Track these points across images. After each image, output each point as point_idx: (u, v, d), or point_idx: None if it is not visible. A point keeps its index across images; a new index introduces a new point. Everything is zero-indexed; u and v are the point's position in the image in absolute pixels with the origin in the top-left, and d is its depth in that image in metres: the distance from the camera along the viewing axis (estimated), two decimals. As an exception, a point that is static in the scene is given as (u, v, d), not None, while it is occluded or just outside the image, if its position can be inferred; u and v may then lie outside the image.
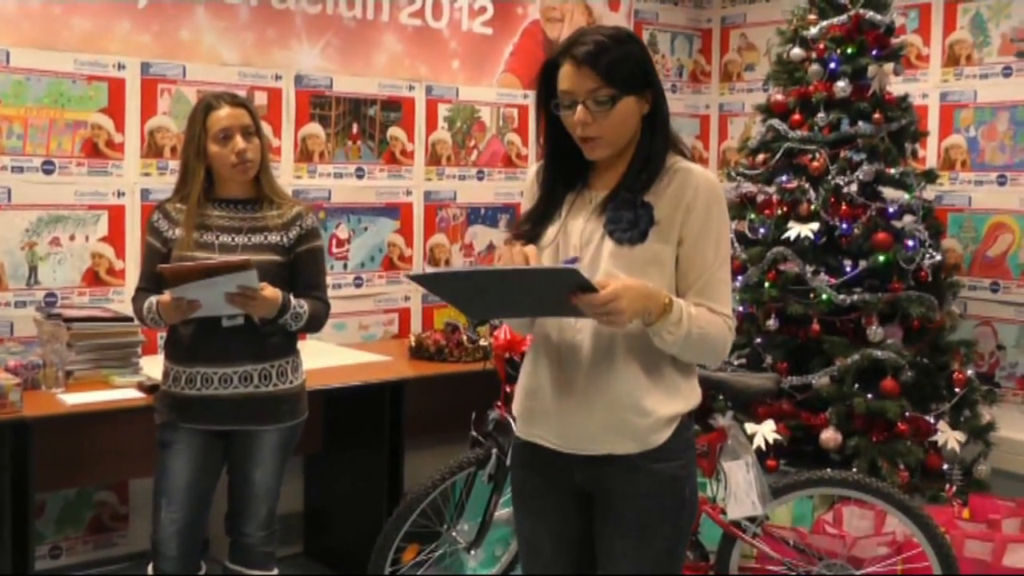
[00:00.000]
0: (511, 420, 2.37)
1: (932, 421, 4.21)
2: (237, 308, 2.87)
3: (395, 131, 4.90)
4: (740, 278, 4.42)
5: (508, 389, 3.45)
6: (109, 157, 4.11)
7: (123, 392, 3.51)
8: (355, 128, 4.77)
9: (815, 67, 4.49)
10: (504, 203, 5.29)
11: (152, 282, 2.99)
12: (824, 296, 4.25)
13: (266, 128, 4.06)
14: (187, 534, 3.04)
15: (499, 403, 3.51)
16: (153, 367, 3.54)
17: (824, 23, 4.52)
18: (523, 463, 2.33)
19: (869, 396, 4.13)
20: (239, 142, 2.96)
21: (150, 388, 3.42)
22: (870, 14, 4.44)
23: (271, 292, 2.88)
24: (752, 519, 3.41)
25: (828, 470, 3.67)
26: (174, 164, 3.83)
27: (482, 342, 4.25)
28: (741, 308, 4.46)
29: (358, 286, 4.83)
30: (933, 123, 5.16)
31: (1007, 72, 4.97)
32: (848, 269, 4.29)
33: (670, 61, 6.07)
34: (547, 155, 2.28)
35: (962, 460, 4.26)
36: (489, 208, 5.25)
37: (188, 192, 3.01)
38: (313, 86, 4.62)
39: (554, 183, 2.26)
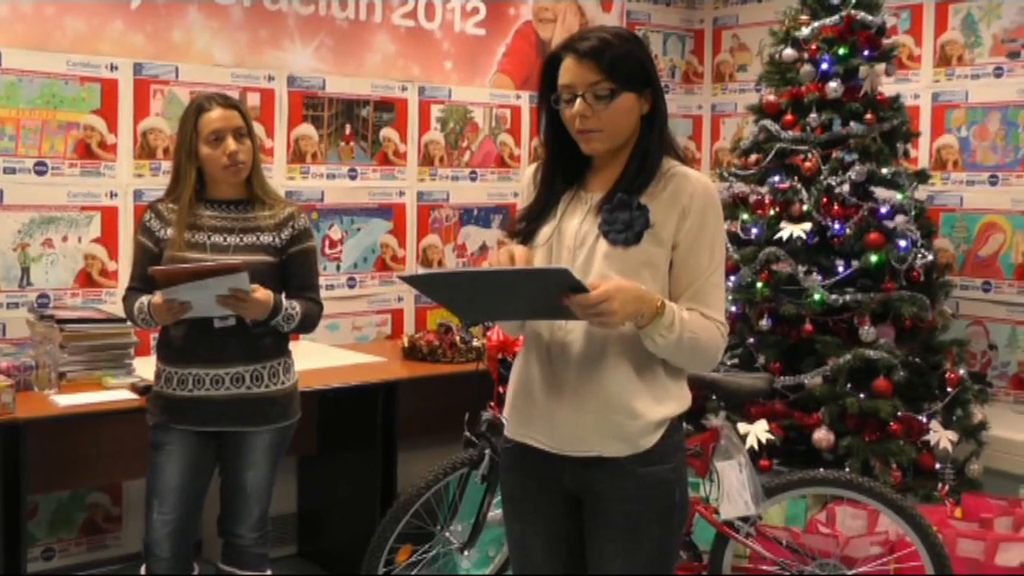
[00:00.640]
0: (504, 421, 2.37)
1: (924, 420, 4.22)
2: (228, 310, 2.87)
3: (388, 132, 4.90)
4: (733, 278, 4.42)
5: (501, 390, 3.45)
6: (102, 158, 4.11)
7: (116, 393, 3.51)
8: (348, 129, 4.77)
9: (807, 68, 4.50)
10: (497, 204, 5.29)
11: (143, 282, 2.98)
12: (816, 296, 4.26)
13: (258, 129, 4.08)
14: (179, 535, 3.04)
15: (492, 404, 3.51)
16: (146, 368, 3.53)
17: (816, 24, 4.53)
18: (512, 466, 2.32)
19: (861, 396, 4.13)
20: (230, 144, 2.96)
21: (143, 389, 3.41)
22: (861, 15, 4.45)
23: (263, 294, 2.88)
24: (745, 519, 3.41)
25: (821, 470, 3.68)
26: (167, 165, 3.83)
27: (475, 343, 4.25)
28: (734, 308, 4.46)
29: (351, 287, 4.83)
30: (925, 123, 5.18)
31: (998, 72, 4.99)
32: (840, 269, 4.30)
33: (663, 62, 6.08)
34: (547, 152, 2.28)
35: (954, 459, 4.26)
36: (482, 209, 5.25)
37: (180, 193, 3.01)
38: (306, 87, 4.62)
39: (552, 181, 2.26)
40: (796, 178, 4.44)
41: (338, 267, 4.78)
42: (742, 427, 3.85)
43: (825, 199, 4.35)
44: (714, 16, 6.17)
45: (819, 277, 4.30)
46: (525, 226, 2.26)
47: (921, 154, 5.13)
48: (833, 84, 4.42)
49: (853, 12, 4.45)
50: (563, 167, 2.25)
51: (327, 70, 4.69)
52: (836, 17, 4.48)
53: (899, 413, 4.14)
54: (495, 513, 3.52)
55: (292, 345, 3.17)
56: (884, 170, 4.38)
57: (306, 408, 3.24)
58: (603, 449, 2.16)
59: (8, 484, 3.27)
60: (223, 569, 3.15)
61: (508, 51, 5.30)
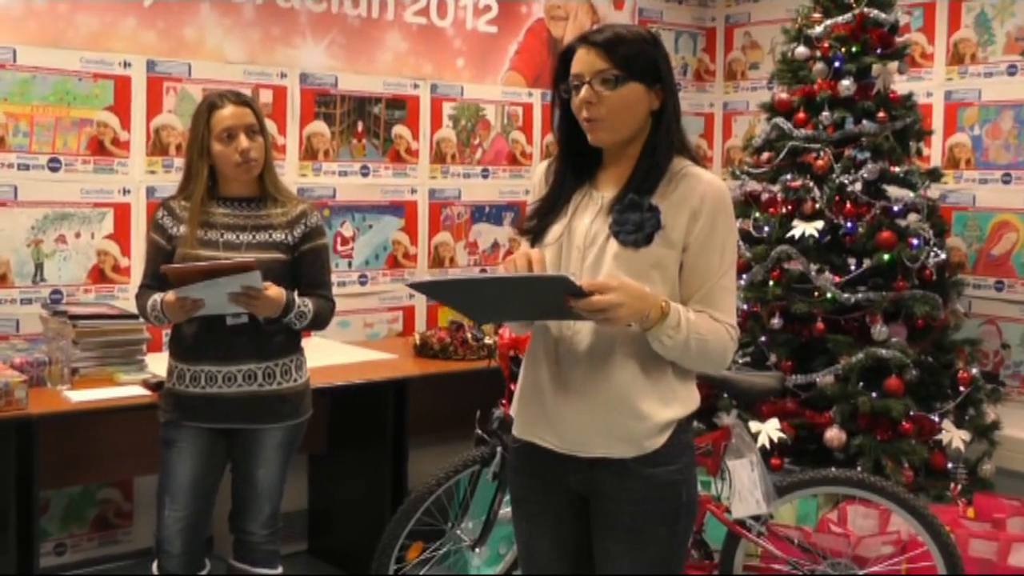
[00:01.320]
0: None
1: (937, 420, 4.20)
2: (241, 308, 2.87)
3: (400, 129, 4.90)
4: (744, 276, 4.42)
5: (513, 387, 3.44)
6: (115, 155, 4.12)
7: (128, 389, 3.52)
8: (360, 126, 4.77)
9: (819, 66, 4.49)
10: (508, 201, 5.29)
11: (156, 279, 2.99)
12: (828, 295, 4.25)
13: (271, 126, 4.08)
14: (191, 532, 3.05)
15: (504, 401, 3.51)
16: (158, 364, 3.54)
17: (828, 22, 4.51)
18: (520, 467, 2.32)
19: (873, 395, 4.12)
20: (243, 141, 2.96)
21: (155, 385, 3.42)
22: (874, 12, 4.43)
23: (275, 292, 2.89)
24: (756, 518, 3.41)
25: (832, 469, 3.67)
26: (179, 162, 3.85)
27: (487, 340, 4.26)
28: (745, 307, 4.46)
29: (363, 284, 4.83)
30: (937, 121, 5.15)
31: (1012, 71, 4.96)
32: (852, 267, 4.28)
33: (674, 60, 6.06)
34: (560, 147, 2.28)
35: (967, 459, 4.25)
36: (493, 206, 5.25)
37: (192, 191, 3.01)
38: (318, 84, 4.63)
39: (563, 177, 2.26)
40: (808, 176, 4.42)
41: (350, 264, 4.79)
42: (754, 426, 3.85)
43: (837, 197, 4.34)
44: (726, 14, 6.15)
45: (831, 275, 4.28)
46: (536, 223, 2.26)
47: (934, 152, 5.11)
48: (846, 82, 4.40)
49: (866, 10, 4.43)
50: (574, 164, 2.25)
51: (339, 67, 4.69)
52: (849, 15, 4.47)
53: (911, 412, 4.13)
54: (506, 511, 3.51)
55: (303, 342, 3.17)
56: (896, 168, 4.37)
57: (317, 405, 3.25)
58: (608, 450, 2.15)
59: (21, 479, 3.28)
60: (235, 566, 3.16)
61: (520, 49, 5.30)
